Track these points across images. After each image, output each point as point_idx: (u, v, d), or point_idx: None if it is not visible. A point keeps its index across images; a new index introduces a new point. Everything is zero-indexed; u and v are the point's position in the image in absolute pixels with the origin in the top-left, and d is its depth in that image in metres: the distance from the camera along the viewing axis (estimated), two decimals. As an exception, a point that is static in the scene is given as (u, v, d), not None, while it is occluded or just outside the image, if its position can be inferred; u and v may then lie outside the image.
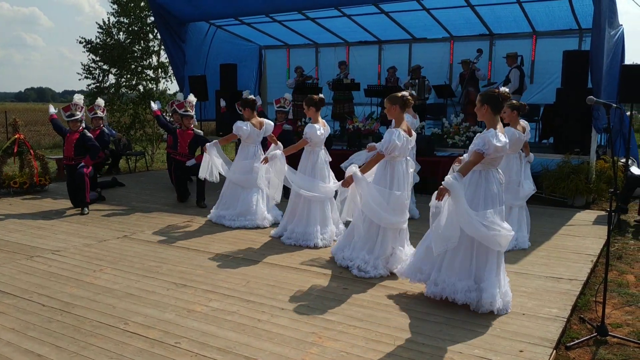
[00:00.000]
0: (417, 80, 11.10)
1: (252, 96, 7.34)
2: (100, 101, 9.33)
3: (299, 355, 3.37)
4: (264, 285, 4.66)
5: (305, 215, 5.98)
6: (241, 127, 6.81)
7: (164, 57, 14.27)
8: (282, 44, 14.16)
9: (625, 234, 6.92)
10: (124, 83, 14.43)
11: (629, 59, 10.40)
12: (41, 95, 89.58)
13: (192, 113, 8.31)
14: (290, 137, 8.52)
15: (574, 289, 4.57)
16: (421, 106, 10.82)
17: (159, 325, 3.79)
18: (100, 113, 9.00)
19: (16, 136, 9.16)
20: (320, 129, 5.95)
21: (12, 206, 8.02)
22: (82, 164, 7.72)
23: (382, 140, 4.82)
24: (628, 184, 7.58)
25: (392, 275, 4.87)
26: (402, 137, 4.75)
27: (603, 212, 7.78)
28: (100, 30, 14.33)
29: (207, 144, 6.95)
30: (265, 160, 6.17)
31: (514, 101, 5.79)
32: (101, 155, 8.32)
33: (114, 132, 10.79)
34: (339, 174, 5.53)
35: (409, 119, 6.65)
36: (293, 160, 6.21)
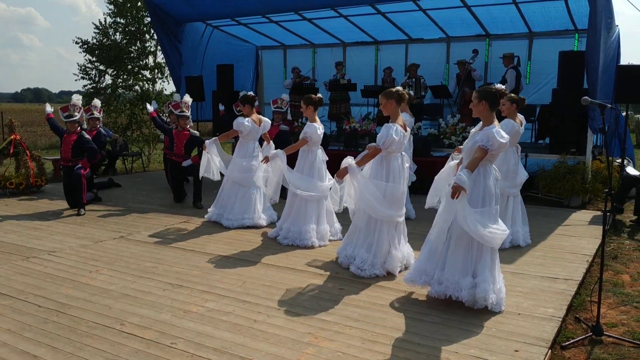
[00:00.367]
0: (413, 80, 11.12)
1: (251, 92, 7.34)
2: (97, 102, 9.32)
3: (294, 356, 3.37)
4: (260, 285, 4.66)
5: (301, 213, 5.98)
6: (243, 123, 6.78)
7: (160, 57, 14.28)
8: (278, 45, 14.16)
9: (621, 234, 6.94)
10: (121, 84, 14.42)
11: (625, 60, 10.47)
12: (37, 95, 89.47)
13: (188, 113, 8.31)
14: (286, 137, 8.52)
15: (570, 289, 4.58)
16: (418, 106, 10.85)
17: (155, 326, 3.79)
18: (96, 114, 8.99)
19: (12, 137, 9.14)
20: (319, 128, 5.97)
21: (8, 207, 8.01)
22: (79, 165, 7.71)
23: (379, 135, 4.83)
24: (624, 184, 7.61)
25: (389, 275, 4.88)
26: (399, 131, 4.79)
27: (599, 212, 7.80)
28: (96, 31, 14.33)
29: (207, 141, 6.92)
30: (266, 159, 6.14)
31: (512, 95, 5.96)
32: (98, 156, 8.30)
33: (110, 132, 10.79)
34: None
35: (406, 117, 6.67)
36: (290, 160, 6.21)
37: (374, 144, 4.99)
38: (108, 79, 14.57)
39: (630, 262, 5.75)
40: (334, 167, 6.22)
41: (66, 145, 7.97)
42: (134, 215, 7.51)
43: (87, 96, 13.58)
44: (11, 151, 9.06)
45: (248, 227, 6.75)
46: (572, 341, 3.74)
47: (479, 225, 3.89)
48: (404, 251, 5.09)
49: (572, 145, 8.61)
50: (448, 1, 10.05)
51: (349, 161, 4.88)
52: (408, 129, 5.07)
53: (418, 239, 5.52)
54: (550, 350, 3.53)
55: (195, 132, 8.58)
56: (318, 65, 13.94)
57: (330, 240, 6.08)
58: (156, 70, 14.61)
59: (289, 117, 9.86)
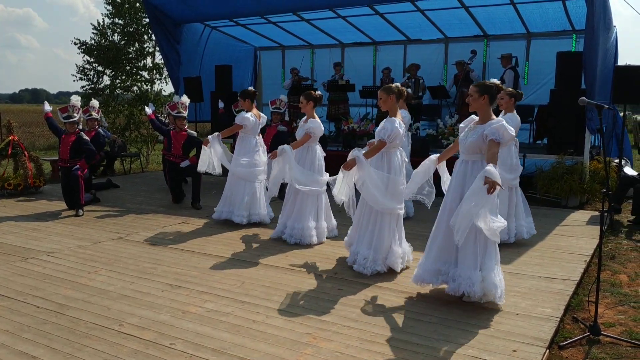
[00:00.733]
0: (412, 80, 11.13)
1: (251, 87, 7.35)
2: (95, 102, 9.31)
3: (293, 356, 3.38)
4: (258, 286, 4.67)
5: (303, 210, 6.00)
6: (248, 118, 6.77)
7: (158, 58, 14.29)
8: (277, 45, 14.17)
9: (619, 234, 6.95)
10: (119, 84, 14.42)
11: (622, 61, 10.48)
12: (36, 96, 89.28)
13: (185, 114, 8.30)
14: (285, 138, 8.52)
15: (568, 289, 4.60)
16: (417, 106, 10.86)
17: (154, 327, 3.79)
18: (94, 114, 8.99)
19: (10, 138, 9.13)
20: (321, 124, 6.04)
21: (6, 208, 8.00)
22: (77, 166, 7.71)
23: (382, 129, 4.86)
24: (621, 185, 7.62)
25: (389, 274, 4.90)
26: (402, 125, 4.91)
27: (597, 213, 7.82)
28: (94, 32, 14.33)
29: (209, 136, 6.87)
30: (274, 154, 6.07)
31: (510, 89, 6.09)
32: (96, 157, 8.30)
33: (109, 133, 10.78)
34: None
35: (405, 114, 6.74)
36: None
37: (374, 140, 5.02)
38: (106, 80, 14.60)
39: (627, 262, 5.77)
40: (334, 167, 6.24)
41: (64, 146, 7.96)
42: (133, 216, 7.51)
43: (86, 97, 13.57)
44: (9, 152, 9.05)
45: (255, 224, 6.80)
46: (569, 341, 3.75)
47: (489, 217, 3.86)
48: (404, 248, 5.13)
49: (570, 146, 8.63)
50: (446, 2, 10.07)
51: (357, 153, 4.88)
52: (404, 125, 5.15)
53: (417, 239, 5.57)
54: (548, 350, 3.54)
55: (193, 132, 8.58)
56: (316, 66, 13.95)
57: (327, 238, 6.13)
58: (154, 71, 14.61)
59: (286, 117, 9.87)
